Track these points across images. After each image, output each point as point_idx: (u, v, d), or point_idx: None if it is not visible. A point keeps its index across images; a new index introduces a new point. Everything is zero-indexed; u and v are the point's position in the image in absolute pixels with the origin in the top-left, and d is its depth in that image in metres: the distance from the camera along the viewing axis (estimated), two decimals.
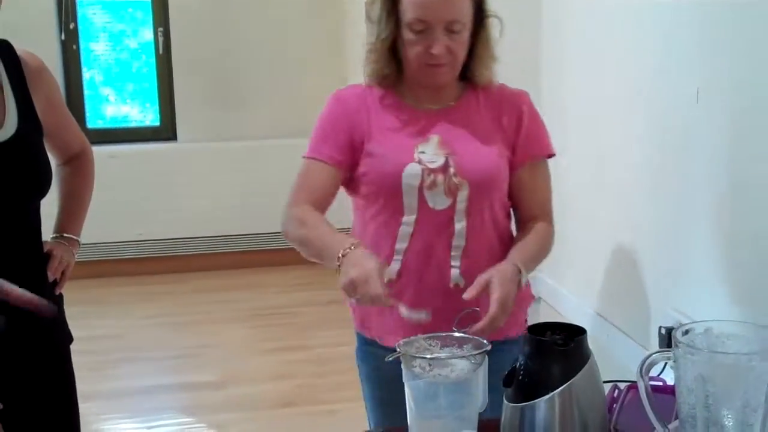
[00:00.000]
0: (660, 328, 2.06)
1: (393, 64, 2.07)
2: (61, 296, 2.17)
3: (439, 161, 2.04)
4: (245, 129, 6.13)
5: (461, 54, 2.03)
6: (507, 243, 2.11)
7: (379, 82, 2.11)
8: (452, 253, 2.05)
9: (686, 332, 1.53)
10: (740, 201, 1.92)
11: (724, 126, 1.95)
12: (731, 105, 1.92)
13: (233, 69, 6.13)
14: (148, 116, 6.35)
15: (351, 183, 2.13)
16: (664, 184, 2.19)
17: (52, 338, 2.12)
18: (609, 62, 2.48)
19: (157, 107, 6.25)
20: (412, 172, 2.03)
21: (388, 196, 2.06)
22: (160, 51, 6.12)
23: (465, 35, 2.01)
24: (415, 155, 2.05)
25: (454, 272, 2.05)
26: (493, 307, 1.85)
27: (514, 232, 2.17)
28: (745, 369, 1.43)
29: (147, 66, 6.25)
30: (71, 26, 5.94)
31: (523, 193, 2.12)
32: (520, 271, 1.95)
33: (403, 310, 1.84)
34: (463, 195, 2.04)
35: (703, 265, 2.06)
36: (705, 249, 2.06)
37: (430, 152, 2.05)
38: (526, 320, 2.15)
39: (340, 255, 1.86)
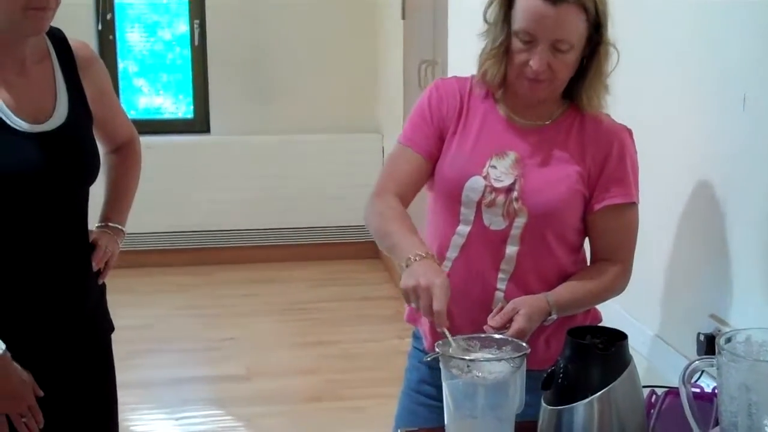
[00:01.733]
0: (699, 334, 2.05)
1: (501, 69, 2.00)
2: (104, 285, 2.19)
3: (507, 181, 2.00)
4: (279, 123, 6.13)
5: (564, 74, 1.97)
6: (565, 275, 2.05)
7: (484, 82, 2.06)
8: (499, 276, 2.02)
9: (728, 340, 1.53)
10: None
11: None
12: None
13: (268, 63, 6.14)
14: (181, 108, 6.38)
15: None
16: (706, 191, 2.18)
17: (95, 327, 2.14)
18: (650, 67, 2.46)
19: (191, 99, 6.26)
20: (474, 185, 2.01)
21: (448, 201, 2.05)
22: (196, 43, 6.13)
23: (572, 56, 1.94)
24: (485, 168, 2.01)
25: (499, 294, 2.02)
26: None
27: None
28: None
29: (181, 58, 6.27)
30: (108, 16, 5.97)
31: (594, 233, 2.07)
32: (549, 312, 1.95)
33: (447, 333, 1.79)
34: (520, 221, 1.99)
35: (742, 272, 2.05)
36: (744, 256, 2.04)
37: (501, 169, 2.01)
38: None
39: (410, 258, 1.84)
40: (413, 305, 1.81)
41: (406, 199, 2.06)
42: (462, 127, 2.06)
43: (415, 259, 1.84)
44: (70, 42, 2.05)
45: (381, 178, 2.11)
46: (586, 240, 2.13)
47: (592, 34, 1.96)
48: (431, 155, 2.07)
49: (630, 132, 2.07)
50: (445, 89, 2.12)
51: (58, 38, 2.03)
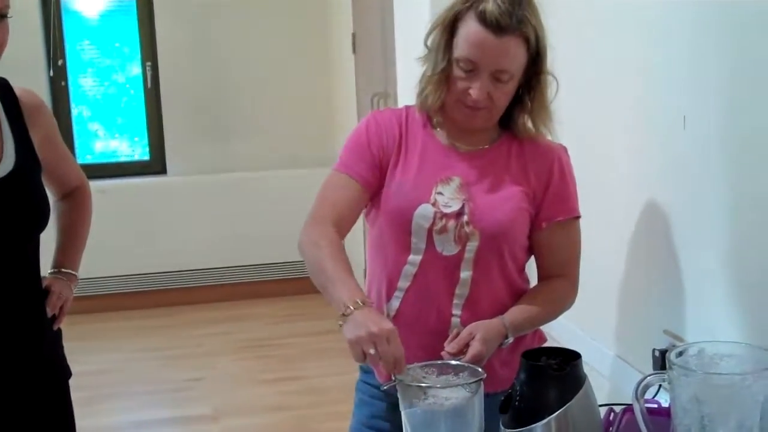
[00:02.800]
0: (654, 350, 2.07)
1: (442, 95, 2.00)
2: (59, 331, 2.17)
3: (455, 206, 2.00)
4: (234, 162, 6.15)
5: (502, 103, 1.98)
6: (517, 296, 2.06)
7: (424, 110, 2.06)
8: (455, 301, 2.01)
9: (680, 354, 1.55)
10: (731, 225, 1.94)
11: (713, 152, 1.96)
12: (721, 131, 1.93)
13: (221, 102, 6.15)
14: (137, 150, 6.37)
15: (370, 206, 2.10)
16: (654, 210, 2.21)
17: (52, 373, 2.12)
18: (587, 89, 2.49)
19: (146, 141, 6.26)
20: (423, 213, 2.00)
21: (396, 231, 2.03)
22: (149, 85, 6.14)
23: (511, 86, 1.96)
24: (432, 195, 2.01)
25: (455, 320, 2.01)
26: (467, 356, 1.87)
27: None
28: (740, 389, 1.45)
29: (135, 100, 6.27)
30: (60, 63, 5.96)
31: (542, 251, 2.08)
32: (506, 335, 1.95)
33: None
34: (472, 245, 1.99)
35: (695, 287, 2.08)
36: (697, 271, 2.07)
37: (447, 195, 2.01)
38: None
39: (349, 306, 1.76)
40: (370, 352, 1.72)
41: (343, 229, 2.00)
42: (403, 157, 2.05)
43: (354, 308, 1.77)
44: (15, 90, 2.04)
45: (318, 205, 2.05)
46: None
47: (530, 63, 1.97)
48: (369, 183, 2.04)
49: (565, 149, 2.10)
50: (382, 120, 2.10)
51: (2, 86, 2.02)
